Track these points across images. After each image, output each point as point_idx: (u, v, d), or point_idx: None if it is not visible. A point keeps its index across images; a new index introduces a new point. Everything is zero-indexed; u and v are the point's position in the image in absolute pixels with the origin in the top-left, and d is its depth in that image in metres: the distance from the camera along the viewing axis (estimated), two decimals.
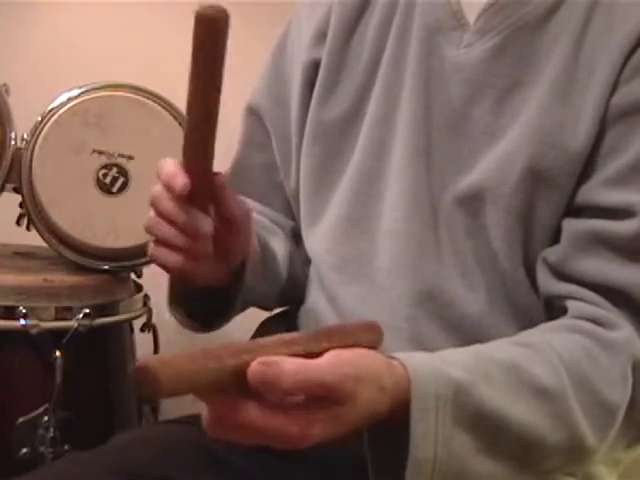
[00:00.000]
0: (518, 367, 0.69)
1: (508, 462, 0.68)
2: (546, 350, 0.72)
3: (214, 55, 0.65)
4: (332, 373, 0.58)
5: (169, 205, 0.74)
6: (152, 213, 0.76)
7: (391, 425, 0.63)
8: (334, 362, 0.59)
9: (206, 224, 0.74)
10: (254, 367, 0.56)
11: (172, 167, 0.73)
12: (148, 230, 0.77)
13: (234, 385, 0.56)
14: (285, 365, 0.56)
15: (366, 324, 0.67)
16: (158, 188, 0.75)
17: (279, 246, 0.95)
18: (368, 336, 0.65)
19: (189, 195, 0.72)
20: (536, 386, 0.69)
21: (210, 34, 0.64)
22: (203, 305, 0.87)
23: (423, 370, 0.64)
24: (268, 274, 0.92)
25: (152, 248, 0.78)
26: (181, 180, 0.72)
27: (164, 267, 0.78)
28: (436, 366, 0.65)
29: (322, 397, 0.58)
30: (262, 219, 0.97)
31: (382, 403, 0.61)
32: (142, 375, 0.52)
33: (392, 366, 0.63)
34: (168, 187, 0.73)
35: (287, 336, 0.61)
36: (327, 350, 0.60)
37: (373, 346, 0.64)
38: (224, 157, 1.06)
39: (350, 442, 0.64)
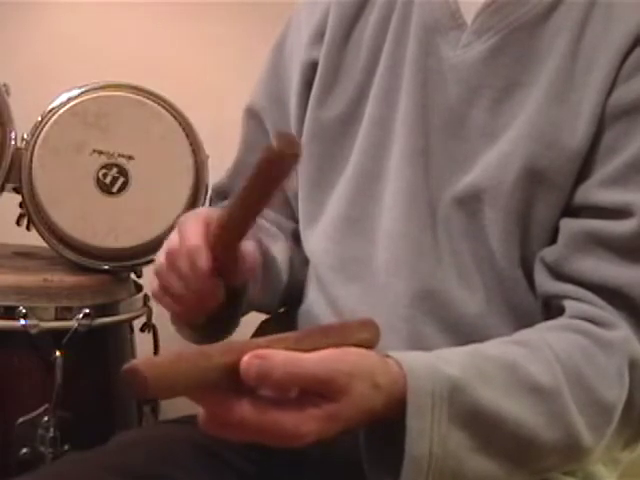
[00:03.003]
0: (514, 365, 0.69)
1: (504, 460, 0.68)
2: (542, 349, 0.72)
3: (273, 186, 0.65)
4: (325, 368, 0.58)
5: (186, 268, 0.75)
6: (164, 261, 0.78)
7: (387, 423, 0.64)
8: (327, 357, 0.59)
9: (219, 292, 0.76)
10: (246, 360, 0.56)
11: (198, 240, 0.74)
12: (158, 275, 0.79)
13: (226, 382, 0.56)
14: (277, 357, 0.57)
15: (362, 322, 0.66)
16: (176, 247, 0.76)
17: (280, 251, 0.95)
18: (364, 334, 0.65)
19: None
20: (532, 384, 0.69)
21: (278, 170, 0.63)
22: (205, 322, 0.87)
23: (419, 368, 0.64)
24: (268, 282, 0.92)
25: (156, 291, 0.80)
26: (205, 261, 0.73)
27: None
28: (432, 364, 0.65)
29: (316, 394, 0.58)
30: (263, 223, 0.97)
31: (377, 400, 0.61)
32: (130, 377, 0.53)
33: (387, 364, 0.63)
34: (190, 260, 0.74)
35: (280, 335, 0.61)
36: (321, 349, 0.60)
37: (369, 345, 0.64)
38: (225, 157, 1.07)
39: (347, 441, 0.64)
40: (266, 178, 0.64)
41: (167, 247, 0.78)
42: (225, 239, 0.73)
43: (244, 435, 0.58)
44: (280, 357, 0.57)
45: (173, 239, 0.78)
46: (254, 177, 0.64)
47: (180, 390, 0.55)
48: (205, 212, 0.79)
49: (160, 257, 0.79)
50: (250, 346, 0.58)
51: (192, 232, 0.75)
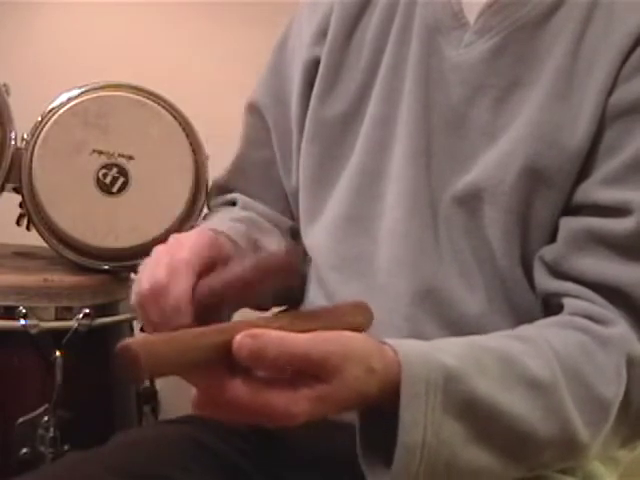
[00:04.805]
0: (511, 358, 0.69)
1: (499, 453, 0.67)
2: (540, 344, 0.72)
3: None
4: (318, 348, 0.58)
5: (166, 315, 0.71)
6: (147, 293, 0.73)
7: (381, 410, 0.63)
8: (320, 338, 0.59)
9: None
10: (239, 339, 0.56)
11: (183, 298, 0.69)
12: (138, 302, 0.74)
13: (219, 361, 0.57)
14: (270, 336, 0.57)
15: (355, 305, 0.67)
16: (161, 286, 0.71)
17: (271, 244, 0.95)
18: (357, 318, 0.66)
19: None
20: (529, 378, 0.69)
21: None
22: None
23: (415, 356, 0.64)
24: None
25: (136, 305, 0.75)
26: (185, 319, 0.69)
27: None
28: (428, 353, 0.65)
29: (309, 374, 0.58)
30: (259, 219, 0.97)
31: (371, 385, 0.61)
32: (124, 356, 0.53)
33: (383, 350, 0.63)
34: (173, 314, 0.70)
35: (273, 316, 0.62)
36: (313, 330, 0.60)
37: (362, 328, 0.65)
38: (225, 155, 1.07)
39: (345, 437, 0.64)
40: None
41: (153, 281, 0.72)
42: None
43: (236, 415, 0.58)
44: (273, 336, 0.57)
45: (159, 273, 0.72)
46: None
47: (174, 369, 0.55)
48: (196, 244, 0.75)
49: (144, 285, 0.73)
50: (243, 326, 0.58)
51: (179, 287, 0.70)
